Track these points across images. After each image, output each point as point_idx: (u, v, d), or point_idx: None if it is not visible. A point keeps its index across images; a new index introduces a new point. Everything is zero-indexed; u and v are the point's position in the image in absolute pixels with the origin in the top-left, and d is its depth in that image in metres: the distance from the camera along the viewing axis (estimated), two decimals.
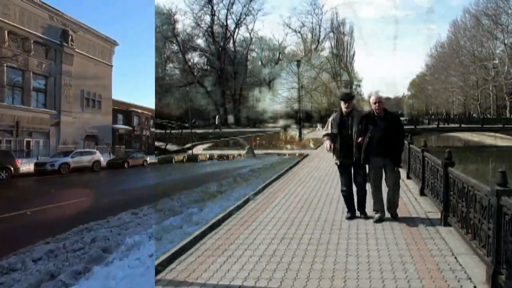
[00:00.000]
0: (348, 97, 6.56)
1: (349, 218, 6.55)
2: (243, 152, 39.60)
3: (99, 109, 45.65)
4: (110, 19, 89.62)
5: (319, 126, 44.28)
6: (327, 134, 6.65)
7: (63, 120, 39.92)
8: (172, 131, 47.86)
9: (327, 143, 6.58)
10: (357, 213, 6.71)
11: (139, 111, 56.10)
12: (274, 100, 53.69)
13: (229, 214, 7.25)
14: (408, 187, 9.45)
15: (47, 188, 17.94)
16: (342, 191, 6.73)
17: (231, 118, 54.35)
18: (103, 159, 31.82)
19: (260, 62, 57.21)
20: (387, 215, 6.52)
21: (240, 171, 18.57)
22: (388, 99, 64.00)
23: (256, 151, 40.24)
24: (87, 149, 33.25)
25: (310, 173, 13.64)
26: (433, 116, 59.81)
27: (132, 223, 8.76)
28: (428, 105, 66.28)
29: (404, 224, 6.23)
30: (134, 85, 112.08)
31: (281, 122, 51.21)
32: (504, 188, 3.71)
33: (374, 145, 6.13)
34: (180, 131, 47.45)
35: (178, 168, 29.06)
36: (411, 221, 6.42)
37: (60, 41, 39.68)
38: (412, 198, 8.20)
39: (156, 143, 45.65)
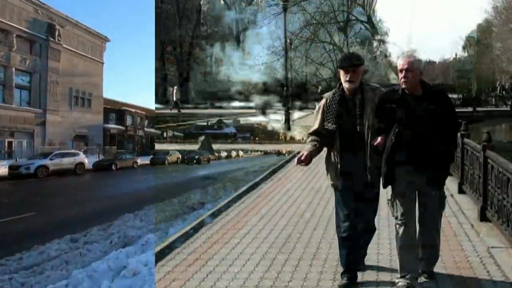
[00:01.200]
0: (352, 63, 5.51)
1: (346, 286, 5.55)
2: (196, 146, 48.57)
3: (89, 108, 61.12)
4: (103, 14, 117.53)
5: (317, 107, 45.57)
6: (314, 134, 5.83)
7: (49, 119, 52.60)
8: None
9: (302, 152, 5.71)
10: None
11: (133, 110, 74.61)
12: (245, 64, 55.71)
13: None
14: (461, 207, 9.19)
15: (3, 196, 22.38)
16: (341, 231, 5.75)
17: (175, 92, 57.21)
18: (91, 160, 42.53)
19: (222, 1, 58.84)
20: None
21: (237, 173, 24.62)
22: (431, 63, 65.84)
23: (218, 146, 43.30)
24: (70, 151, 43.13)
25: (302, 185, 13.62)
26: (504, 92, 60.48)
27: (56, 260, 8.86)
28: (496, 73, 65.87)
29: (455, 270, 5.81)
30: (130, 83, 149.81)
31: (257, 100, 53.91)
32: None
33: (404, 151, 5.22)
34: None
35: (170, 171, 38.72)
36: (466, 264, 6.01)
37: (45, 35, 52.41)
38: (467, 225, 7.92)
39: None
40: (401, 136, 5.14)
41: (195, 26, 57.86)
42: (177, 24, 56.75)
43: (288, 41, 49.50)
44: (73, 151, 42.07)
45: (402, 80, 5.20)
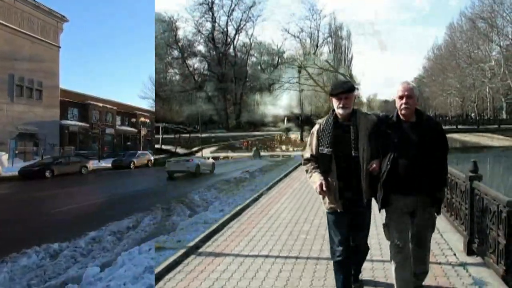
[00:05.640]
0: (346, 88, 3.90)
1: None
2: (250, 154, 42.71)
3: (39, 100, 37.18)
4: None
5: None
6: (309, 160, 4.10)
7: None
8: (181, 135, 52.02)
9: (316, 183, 3.85)
10: None
11: (100, 104, 47.39)
12: (274, 104, 57.54)
13: None
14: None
15: None
16: (336, 255, 4.00)
17: (232, 122, 58.61)
18: (29, 163, 26.65)
19: (259, 67, 61.79)
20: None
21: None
22: (386, 102, 66.57)
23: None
24: None
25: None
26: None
27: None
28: (426, 107, 68.45)
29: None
30: (108, 75, 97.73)
31: (282, 126, 55.52)
32: None
33: (401, 175, 3.75)
34: (188, 135, 51.94)
35: (127, 177, 25.15)
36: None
37: None
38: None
39: (165, 147, 49.45)
40: (397, 162, 3.74)
41: (244, 83, 60.66)
42: (233, 82, 59.17)
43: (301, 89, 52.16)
44: None
45: (404, 106, 3.76)
